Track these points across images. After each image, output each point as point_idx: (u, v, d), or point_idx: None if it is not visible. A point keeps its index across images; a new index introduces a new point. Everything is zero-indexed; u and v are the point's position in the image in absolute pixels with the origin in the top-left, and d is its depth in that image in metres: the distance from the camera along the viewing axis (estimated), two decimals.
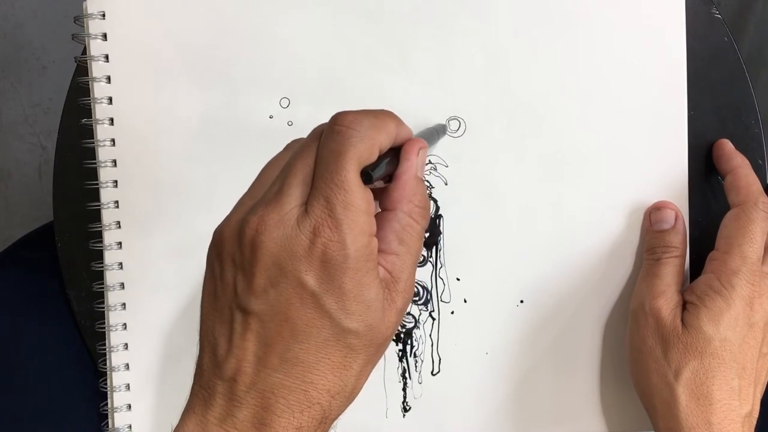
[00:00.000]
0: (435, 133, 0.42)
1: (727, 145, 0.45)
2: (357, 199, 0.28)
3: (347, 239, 0.28)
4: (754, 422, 0.41)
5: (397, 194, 0.31)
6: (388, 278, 0.31)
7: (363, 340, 0.30)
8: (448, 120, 0.46)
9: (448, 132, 0.45)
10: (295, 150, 0.31)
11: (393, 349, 0.47)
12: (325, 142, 0.30)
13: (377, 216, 0.31)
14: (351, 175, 0.28)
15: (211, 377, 0.30)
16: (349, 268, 0.28)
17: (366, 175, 0.29)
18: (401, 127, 0.32)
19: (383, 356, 0.47)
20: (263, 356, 0.29)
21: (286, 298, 0.28)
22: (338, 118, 0.30)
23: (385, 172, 0.31)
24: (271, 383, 0.29)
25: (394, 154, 0.32)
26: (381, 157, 0.30)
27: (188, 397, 0.31)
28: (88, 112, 0.46)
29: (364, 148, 0.29)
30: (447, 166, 0.46)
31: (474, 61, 0.45)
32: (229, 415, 0.29)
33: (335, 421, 0.31)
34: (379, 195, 0.32)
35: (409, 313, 0.47)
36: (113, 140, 0.46)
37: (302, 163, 0.30)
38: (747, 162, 0.44)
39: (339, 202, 0.28)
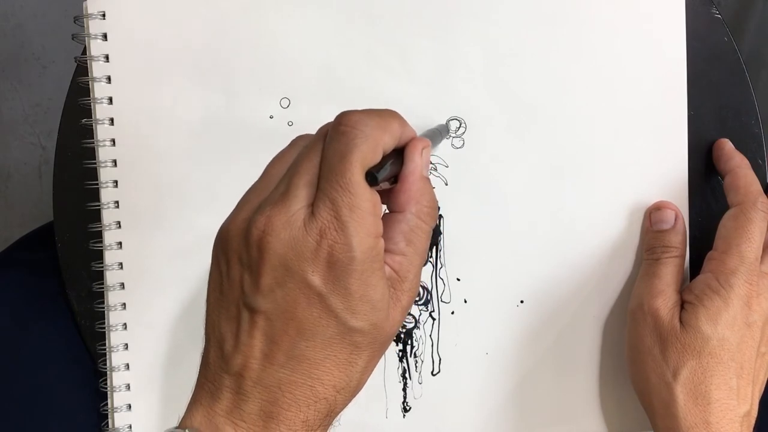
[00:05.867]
0: (437, 134, 0.42)
1: (727, 145, 0.45)
2: (363, 201, 0.29)
3: (353, 241, 0.28)
4: (753, 422, 0.41)
5: (404, 196, 0.31)
6: (394, 277, 0.31)
7: (368, 337, 0.30)
8: (448, 120, 0.46)
9: (448, 131, 0.46)
10: (300, 149, 0.31)
11: (393, 349, 0.47)
12: (329, 143, 0.30)
13: (385, 216, 0.31)
14: (356, 176, 0.29)
15: (218, 371, 0.30)
16: (355, 270, 0.29)
17: (371, 177, 0.29)
18: (405, 127, 0.32)
19: (383, 356, 0.47)
20: (270, 353, 0.29)
21: (293, 298, 0.29)
22: (343, 119, 0.30)
23: (390, 173, 0.31)
24: (278, 379, 0.29)
25: (398, 155, 0.32)
26: (385, 158, 0.30)
27: (194, 389, 0.31)
28: (88, 112, 0.46)
29: (369, 149, 0.29)
30: (447, 167, 0.46)
31: (474, 61, 0.45)
32: (236, 407, 0.30)
33: (339, 415, 0.32)
34: (386, 196, 0.32)
35: (409, 314, 0.47)
36: (113, 140, 0.46)
37: (308, 163, 0.30)
38: (746, 162, 0.44)
39: (345, 204, 0.28)
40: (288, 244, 0.29)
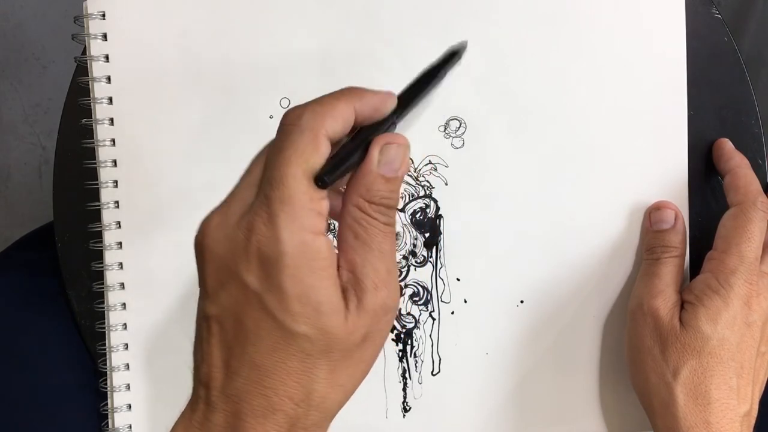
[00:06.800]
0: (439, 68, 0.36)
1: (727, 145, 0.45)
2: (297, 193, 0.27)
3: (282, 235, 0.27)
4: (753, 421, 0.41)
5: (348, 189, 0.30)
6: (350, 278, 0.29)
7: (318, 345, 0.28)
8: (448, 120, 0.46)
9: (448, 132, 0.46)
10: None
11: (393, 349, 0.47)
12: (271, 142, 0.30)
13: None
14: (290, 170, 0.28)
15: (195, 381, 0.30)
16: (285, 266, 0.27)
17: (320, 181, 0.28)
18: (364, 101, 0.30)
19: (383, 356, 0.47)
20: (227, 360, 0.29)
21: (235, 299, 0.28)
22: (284, 115, 0.30)
23: (345, 171, 0.30)
24: (237, 388, 0.29)
25: (365, 147, 0.30)
26: (348, 152, 0.30)
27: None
28: (88, 112, 0.46)
29: (306, 142, 0.28)
30: (447, 167, 0.46)
31: (474, 61, 0.45)
32: (206, 419, 0.29)
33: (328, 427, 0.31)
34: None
35: (409, 314, 0.47)
36: (113, 140, 0.46)
37: (254, 165, 0.30)
38: (746, 161, 0.44)
39: (276, 197, 0.27)
40: (223, 244, 0.28)
